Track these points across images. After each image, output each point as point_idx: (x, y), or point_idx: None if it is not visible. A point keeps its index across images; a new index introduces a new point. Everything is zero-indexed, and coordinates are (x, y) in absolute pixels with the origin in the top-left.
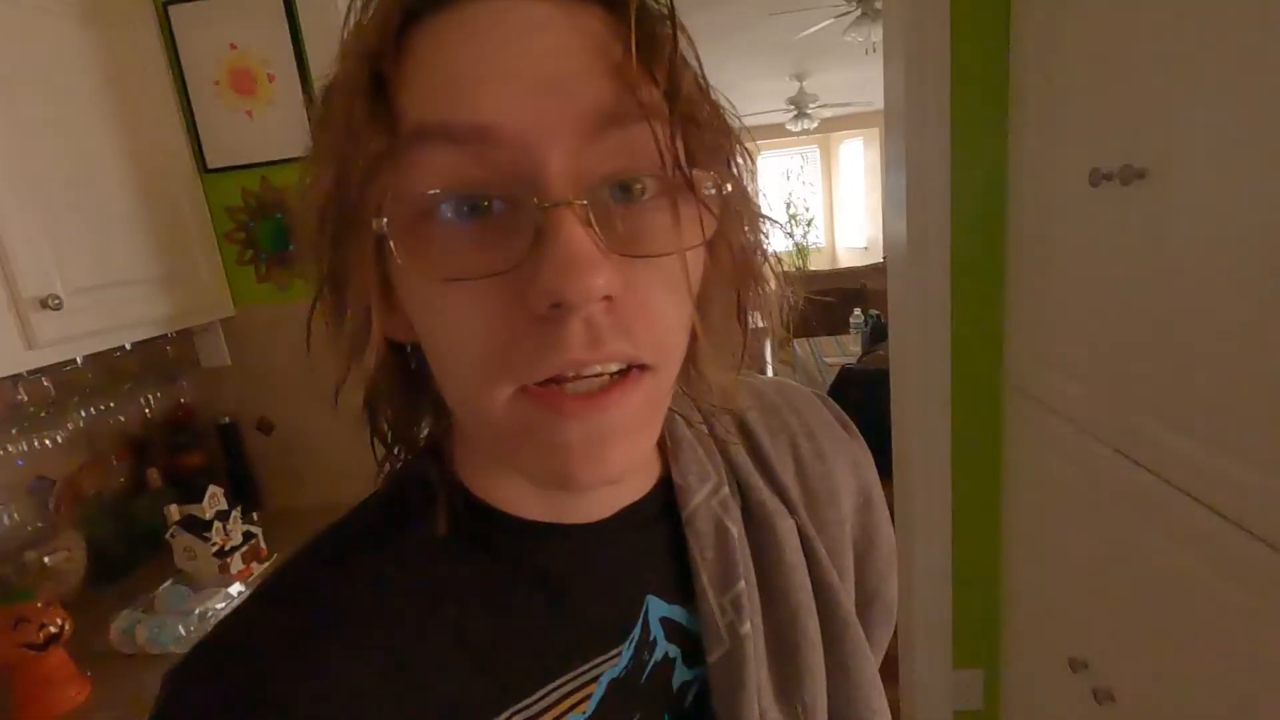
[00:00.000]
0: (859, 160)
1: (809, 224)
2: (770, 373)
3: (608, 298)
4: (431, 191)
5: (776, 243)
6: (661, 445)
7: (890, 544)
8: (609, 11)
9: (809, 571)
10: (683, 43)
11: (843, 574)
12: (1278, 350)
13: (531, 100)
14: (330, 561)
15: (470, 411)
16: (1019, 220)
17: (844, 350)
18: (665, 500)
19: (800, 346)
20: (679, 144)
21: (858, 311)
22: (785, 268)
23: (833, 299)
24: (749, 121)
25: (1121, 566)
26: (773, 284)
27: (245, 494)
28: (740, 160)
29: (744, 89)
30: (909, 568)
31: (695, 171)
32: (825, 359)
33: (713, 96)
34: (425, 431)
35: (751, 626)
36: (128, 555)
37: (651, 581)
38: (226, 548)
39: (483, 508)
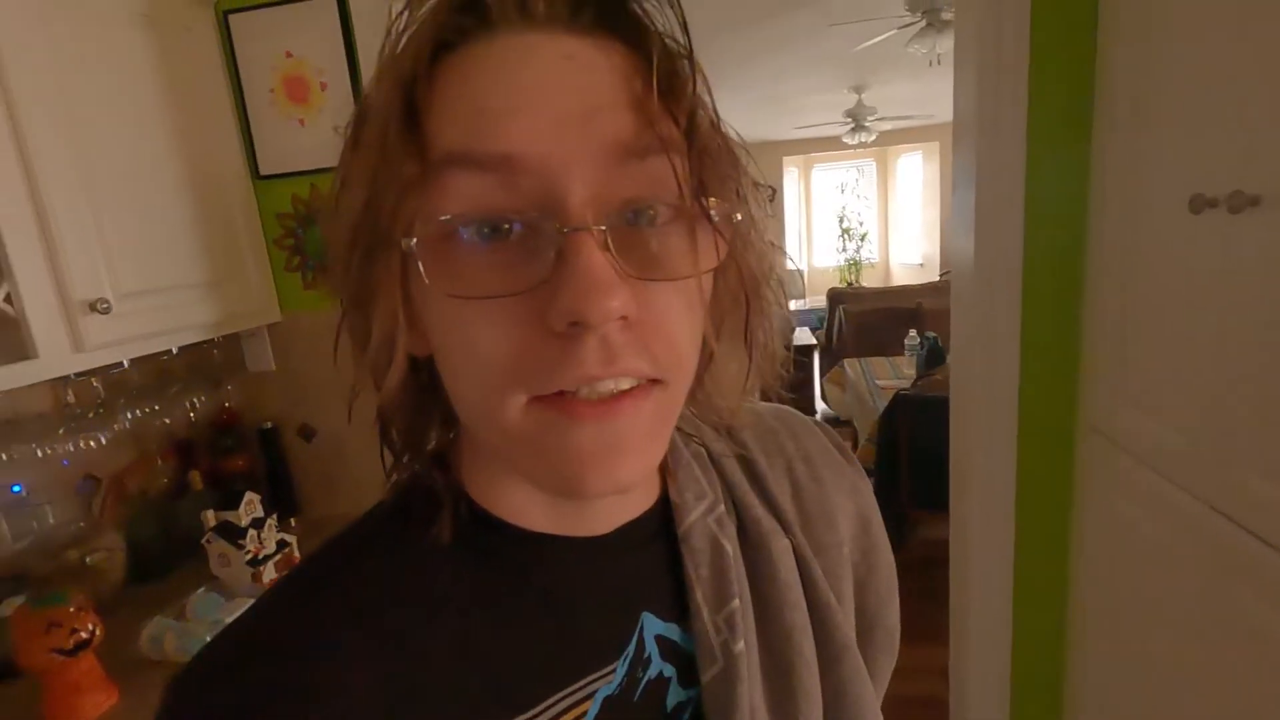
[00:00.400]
0: (917, 175)
1: (863, 239)
2: (819, 393)
3: (623, 318)
4: (459, 215)
5: (827, 258)
6: (661, 464)
7: (890, 569)
8: (630, 49)
9: (805, 593)
10: (699, 80)
11: (841, 598)
12: None
13: (556, 132)
14: (333, 571)
15: (483, 421)
16: (1101, 246)
17: (897, 373)
18: (663, 518)
19: (851, 367)
20: (695, 176)
21: (913, 333)
22: (784, 294)
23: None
24: (805, 134)
25: (1215, 637)
26: (776, 308)
27: (283, 499)
28: (749, 189)
29: (801, 101)
30: (964, 615)
31: (709, 200)
32: (877, 381)
33: (723, 129)
34: (432, 443)
35: (745, 645)
36: (166, 557)
37: (648, 598)
38: (260, 556)
39: (487, 518)
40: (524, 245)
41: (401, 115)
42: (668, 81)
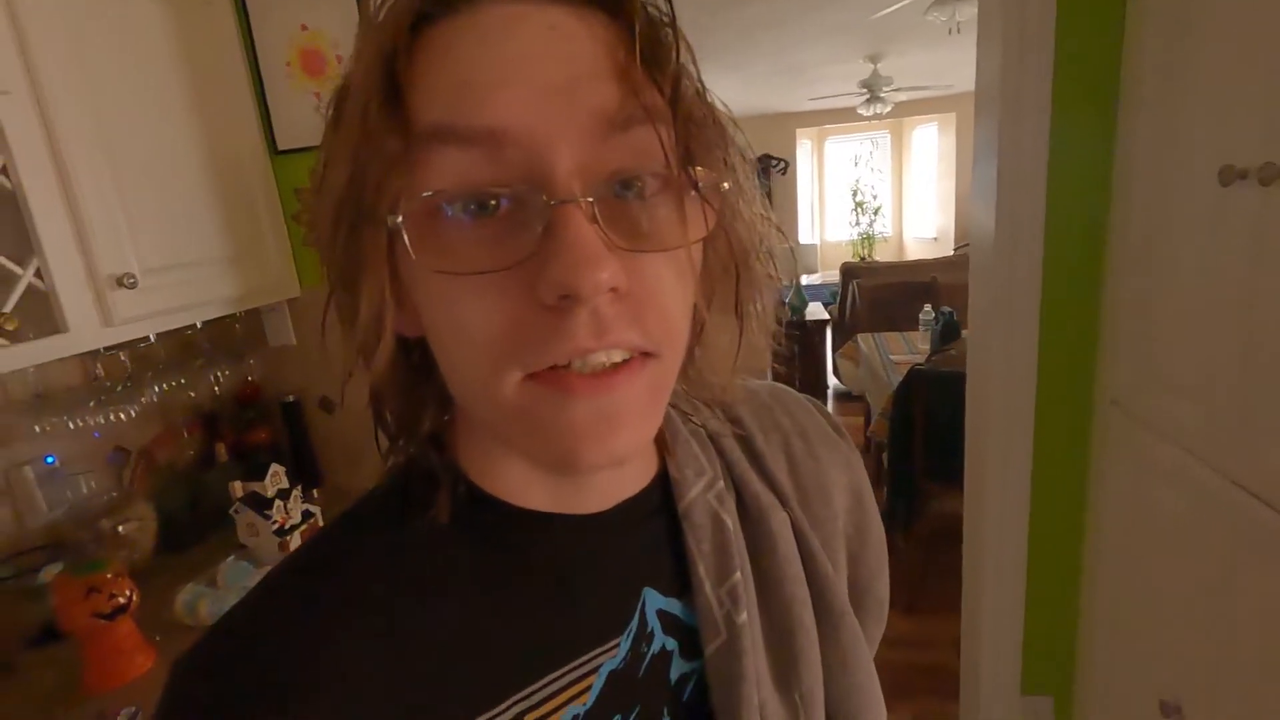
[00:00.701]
0: (932, 147)
1: (876, 212)
2: (831, 366)
3: (613, 290)
4: (444, 190)
5: (840, 231)
6: (659, 441)
7: (881, 542)
8: (612, 18)
9: (804, 565)
10: (683, 48)
11: (837, 568)
12: None
13: (541, 105)
14: (333, 556)
15: (478, 399)
16: (1125, 219)
17: (912, 347)
18: (662, 494)
19: (864, 342)
20: (681, 145)
21: (928, 308)
22: (777, 268)
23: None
24: (819, 106)
25: (1228, 606)
26: (768, 280)
27: (306, 471)
28: (736, 159)
29: (816, 72)
30: (978, 584)
31: (696, 169)
32: (891, 355)
33: (708, 98)
34: (427, 425)
35: (748, 616)
36: (195, 526)
37: (649, 574)
38: (286, 526)
39: (485, 497)
40: (511, 219)
41: (383, 90)
42: (651, 50)
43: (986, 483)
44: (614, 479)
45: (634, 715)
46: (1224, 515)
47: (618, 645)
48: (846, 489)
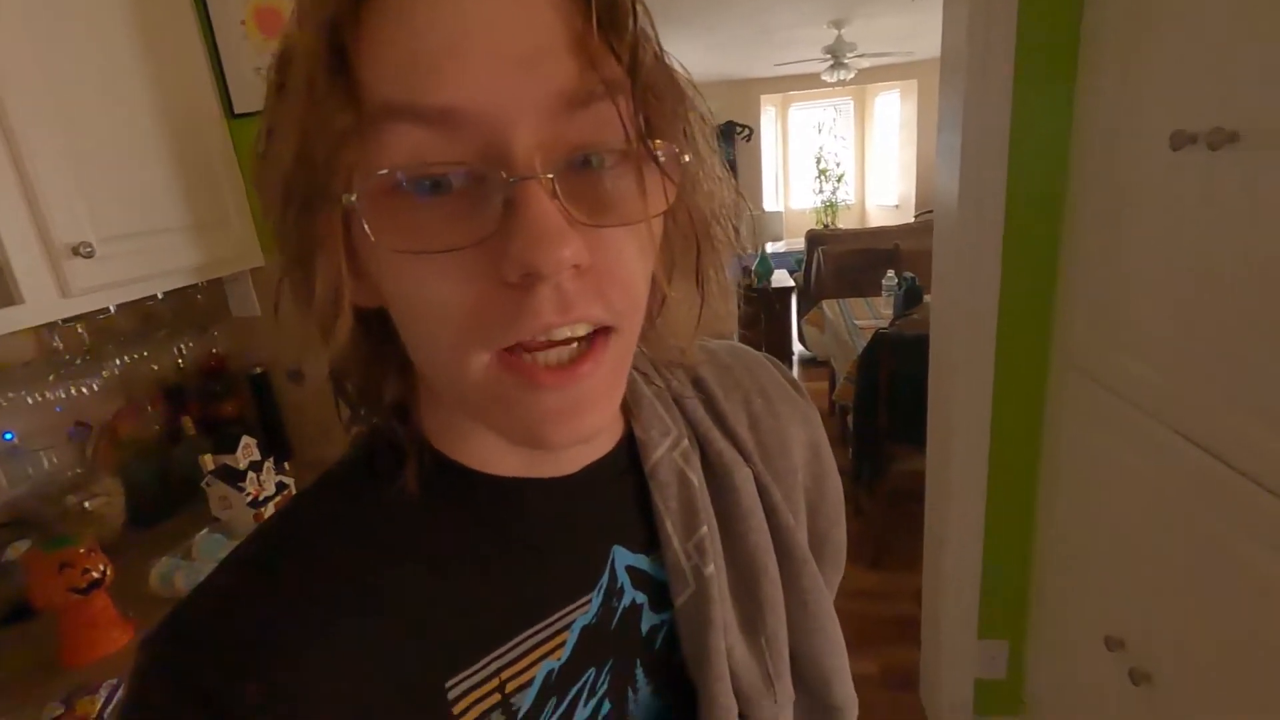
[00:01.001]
0: (895, 114)
1: (839, 179)
2: (797, 333)
3: (576, 265)
4: (400, 168)
5: (804, 199)
6: (624, 403)
7: (838, 491)
8: None
9: (766, 517)
10: (641, 13)
11: (797, 519)
12: None
13: (497, 80)
14: (301, 527)
15: (444, 376)
16: (1084, 185)
17: (876, 313)
18: (629, 455)
19: (830, 308)
20: (641, 117)
21: (891, 273)
22: (741, 234)
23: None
24: (784, 71)
25: (1170, 549)
26: (728, 247)
27: (277, 443)
28: (697, 126)
29: (781, 37)
30: (939, 538)
31: (656, 142)
32: (856, 321)
33: (668, 63)
34: (390, 394)
35: (715, 568)
36: (165, 501)
37: (618, 532)
38: (260, 498)
39: (452, 465)
40: (470, 196)
41: (328, 60)
42: (609, 15)
43: (948, 441)
44: (582, 445)
45: (607, 667)
46: (1172, 468)
47: (589, 601)
48: (805, 444)
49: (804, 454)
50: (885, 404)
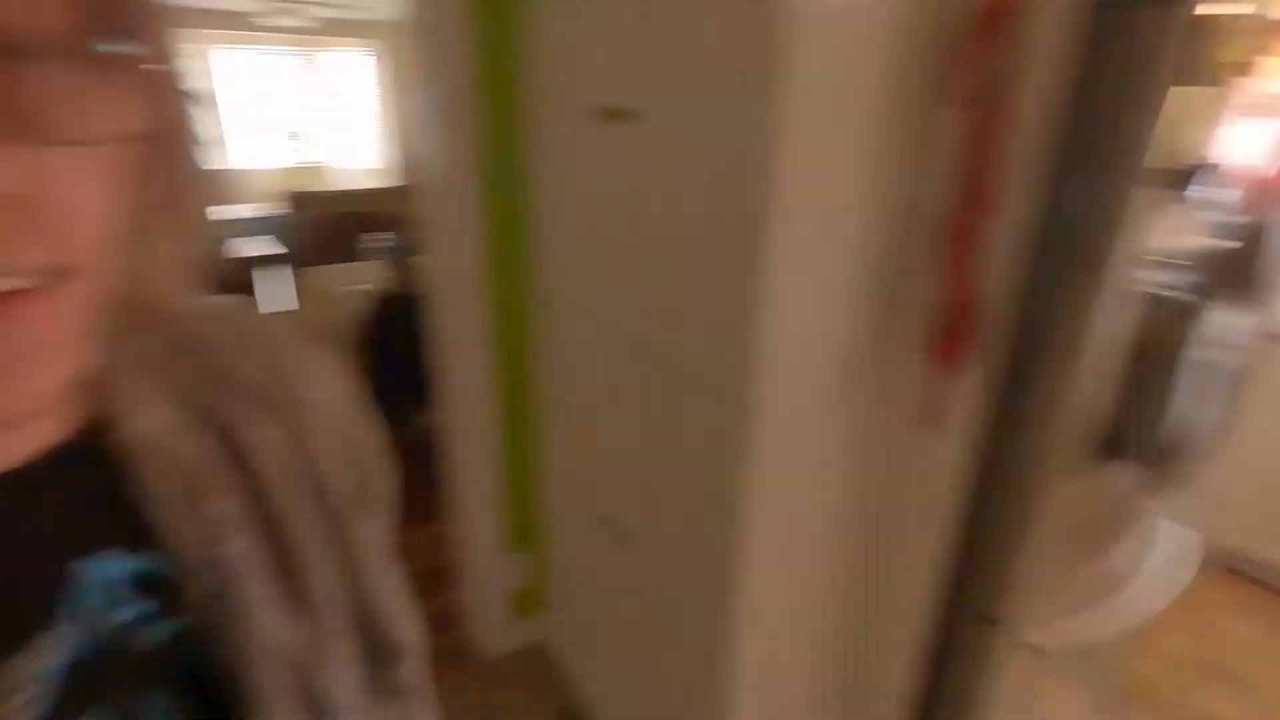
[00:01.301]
0: (369, 76)
1: (311, 141)
2: (282, 304)
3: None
4: None
5: (270, 159)
6: (93, 374)
7: (372, 441)
8: None
9: (296, 477)
10: None
11: (331, 474)
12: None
13: None
14: None
15: None
16: (533, 150)
17: (364, 276)
18: (95, 437)
19: (317, 274)
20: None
21: (376, 235)
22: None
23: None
24: (215, 5)
25: (641, 443)
26: (205, 187)
27: None
28: (169, 37)
29: None
30: (462, 476)
31: (117, 38)
32: (346, 286)
33: None
34: None
35: (238, 545)
36: None
37: (90, 536)
38: None
39: None
40: None
41: None
42: None
43: (453, 388)
44: (24, 426)
45: (108, 707)
46: (626, 370)
47: (54, 635)
48: (329, 396)
49: (330, 406)
50: (392, 364)
